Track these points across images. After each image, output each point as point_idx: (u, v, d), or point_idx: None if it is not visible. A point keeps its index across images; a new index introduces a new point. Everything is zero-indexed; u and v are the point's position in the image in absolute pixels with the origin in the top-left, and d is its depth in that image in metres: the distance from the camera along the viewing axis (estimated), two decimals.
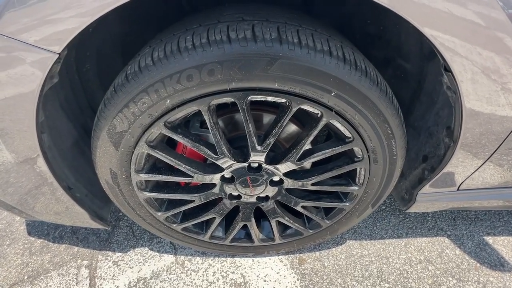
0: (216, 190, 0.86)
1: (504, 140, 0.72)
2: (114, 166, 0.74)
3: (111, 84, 0.70)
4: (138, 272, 1.10)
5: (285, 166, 0.79)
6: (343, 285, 1.05)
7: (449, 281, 1.06)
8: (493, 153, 0.76)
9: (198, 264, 1.12)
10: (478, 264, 1.11)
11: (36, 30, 0.49)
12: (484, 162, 0.80)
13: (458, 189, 0.95)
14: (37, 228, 1.25)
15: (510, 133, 0.70)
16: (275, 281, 1.06)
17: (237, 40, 0.54)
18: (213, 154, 0.74)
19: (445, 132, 0.76)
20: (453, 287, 1.05)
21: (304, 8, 0.92)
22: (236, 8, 0.63)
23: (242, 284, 1.06)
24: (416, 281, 1.06)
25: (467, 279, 1.07)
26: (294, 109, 0.64)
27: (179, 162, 0.76)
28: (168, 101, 0.60)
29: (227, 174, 0.82)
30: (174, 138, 0.69)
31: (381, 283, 1.06)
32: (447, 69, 0.58)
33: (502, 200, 1.01)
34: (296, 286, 1.05)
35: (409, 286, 1.05)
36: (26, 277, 1.09)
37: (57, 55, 0.52)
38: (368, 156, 0.76)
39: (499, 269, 1.10)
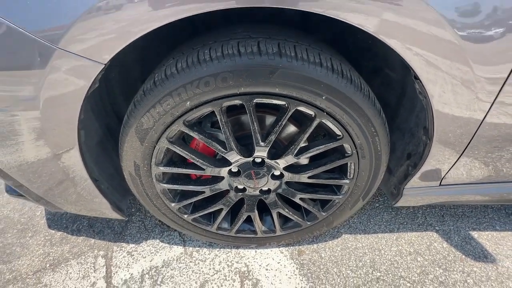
0: (224, 182, 0.99)
1: (472, 137, 0.85)
2: (138, 159, 0.87)
3: (130, 90, 0.84)
4: (151, 261, 1.21)
5: (285, 161, 0.92)
6: (338, 273, 1.17)
7: (436, 270, 1.17)
8: (465, 149, 0.89)
9: (205, 254, 1.24)
10: (463, 256, 1.23)
11: (88, 44, 0.64)
12: (458, 158, 0.93)
13: (440, 184, 1.07)
14: (56, 222, 1.38)
15: (476, 130, 0.83)
16: (276, 270, 1.18)
17: (246, 54, 0.69)
18: (223, 149, 0.87)
19: (422, 131, 0.90)
20: (439, 276, 1.16)
21: (301, 26, 1.07)
22: (244, 27, 0.77)
23: (246, 272, 1.17)
24: (405, 270, 1.18)
25: (453, 269, 1.18)
26: (292, 110, 0.78)
27: (193, 156, 0.89)
28: (188, 103, 0.74)
29: (234, 168, 0.95)
30: (191, 134, 0.83)
31: (373, 272, 1.17)
32: (417, 77, 0.72)
33: (482, 195, 1.14)
34: (295, 274, 1.16)
35: (399, 275, 1.16)
36: (48, 265, 1.20)
37: (103, 65, 0.66)
38: (357, 151, 0.89)
39: (482, 261, 1.21)
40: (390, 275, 1.16)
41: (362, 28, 0.64)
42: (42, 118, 0.75)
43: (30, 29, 0.62)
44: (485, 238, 1.30)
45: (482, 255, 1.23)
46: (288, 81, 0.72)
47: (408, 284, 1.13)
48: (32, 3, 0.60)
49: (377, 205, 1.45)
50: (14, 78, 0.67)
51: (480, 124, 0.82)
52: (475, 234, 1.32)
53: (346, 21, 0.63)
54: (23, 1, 0.60)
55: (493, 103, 0.77)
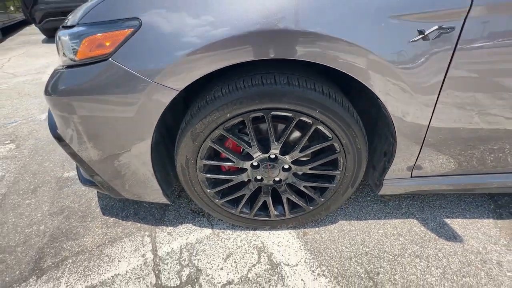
0: (247, 173, 1.43)
1: (424, 139, 1.28)
2: (189, 154, 1.32)
3: (174, 106, 1.29)
4: (186, 239, 1.63)
5: (292, 156, 1.36)
6: (335, 249, 1.57)
7: (414, 247, 1.57)
8: (421, 148, 1.32)
9: (229, 234, 1.65)
10: (437, 237, 1.62)
11: (172, 79, 1.10)
12: (418, 155, 1.36)
13: (411, 176, 1.49)
14: (109, 210, 1.82)
15: (426, 133, 1.26)
16: (285, 246, 1.59)
17: (267, 84, 1.15)
18: (248, 147, 1.32)
19: (390, 134, 1.33)
20: (416, 251, 1.55)
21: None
22: (265, 66, 1.24)
23: (262, 247, 1.58)
24: (389, 247, 1.57)
25: (427, 246, 1.57)
26: (297, 119, 1.23)
27: (227, 152, 1.34)
28: (228, 114, 1.20)
29: (255, 162, 1.39)
30: (228, 136, 1.28)
31: (363, 248, 1.57)
32: (378, 98, 1.17)
33: (448, 185, 1.54)
34: (301, 249, 1.57)
35: (384, 250, 1.56)
36: (107, 241, 1.63)
37: (178, 91, 1.13)
38: (343, 149, 1.33)
39: (452, 240, 1.60)
40: (377, 250, 1.56)
41: (336, 67, 1.10)
42: (132, 122, 1.21)
43: (135, 69, 1.10)
44: (456, 224, 1.70)
45: (452, 236, 1.62)
46: (294, 100, 1.17)
47: (390, 257, 1.52)
48: (143, 56, 1.07)
49: (369, 198, 1.87)
50: (122, 98, 1.14)
51: (428, 128, 1.25)
52: (448, 221, 1.71)
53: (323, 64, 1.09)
54: (137, 54, 1.08)
55: (433, 112, 1.20)
